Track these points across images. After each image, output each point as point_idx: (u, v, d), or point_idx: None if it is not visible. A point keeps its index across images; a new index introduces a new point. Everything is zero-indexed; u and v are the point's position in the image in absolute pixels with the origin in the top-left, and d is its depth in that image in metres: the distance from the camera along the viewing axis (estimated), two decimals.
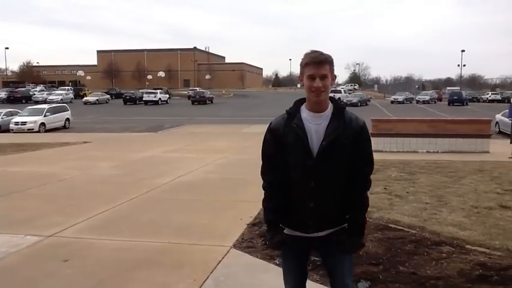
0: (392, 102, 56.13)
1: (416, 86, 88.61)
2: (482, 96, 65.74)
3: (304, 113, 2.45)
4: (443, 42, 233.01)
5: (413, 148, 13.92)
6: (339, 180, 2.44)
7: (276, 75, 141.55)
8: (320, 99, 2.39)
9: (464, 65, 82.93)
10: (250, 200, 7.27)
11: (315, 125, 2.40)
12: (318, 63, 2.35)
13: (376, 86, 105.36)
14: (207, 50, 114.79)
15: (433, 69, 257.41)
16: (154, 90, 57.91)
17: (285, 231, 2.57)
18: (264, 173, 2.57)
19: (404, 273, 4.28)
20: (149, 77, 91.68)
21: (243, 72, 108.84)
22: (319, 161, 2.37)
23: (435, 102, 57.29)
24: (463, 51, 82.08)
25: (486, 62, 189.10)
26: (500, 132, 21.03)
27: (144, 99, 53.31)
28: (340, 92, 53.73)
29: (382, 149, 13.74)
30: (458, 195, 7.75)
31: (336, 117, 2.41)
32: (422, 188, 8.33)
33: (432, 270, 4.34)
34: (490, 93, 68.40)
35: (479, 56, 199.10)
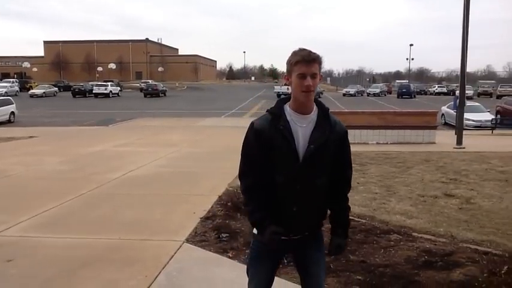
0: (344, 95, 57.31)
1: (368, 79, 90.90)
2: (430, 89, 68.27)
3: (289, 114, 2.34)
4: (393, 37, 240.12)
5: (364, 140, 14.27)
6: (322, 185, 2.40)
7: (230, 67, 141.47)
8: (309, 99, 2.31)
9: (412, 59, 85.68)
10: (203, 193, 7.23)
11: (301, 128, 2.32)
12: (308, 62, 2.27)
13: (328, 79, 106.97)
14: (159, 41, 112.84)
15: (383, 63, 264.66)
16: (104, 83, 56.35)
17: (257, 235, 2.47)
18: (243, 175, 2.45)
19: (354, 261, 4.39)
20: (99, 69, 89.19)
21: (197, 65, 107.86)
22: (306, 165, 2.30)
23: (385, 95, 59.01)
24: (411, 45, 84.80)
25: (433, 56, 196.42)
26: (446, 124, 21.89)
27: (94, 92, 51.68)
28: None
29: None
30: (406, 184, 8.03)
31: (322, 120, 2.35)
32: (372, 178, 8.56)
33: (381, 258, 4.48)
34: (436, 86, 71.05)
35: (426, 50, 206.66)
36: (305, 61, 2.26)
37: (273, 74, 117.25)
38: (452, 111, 19.51)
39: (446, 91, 62.47)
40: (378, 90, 59.05)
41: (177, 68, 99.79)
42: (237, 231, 5.23)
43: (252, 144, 2.38)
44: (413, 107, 31.28)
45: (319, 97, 51.26)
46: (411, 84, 62.02)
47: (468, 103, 23.73)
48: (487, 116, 21.53)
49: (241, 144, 2.44)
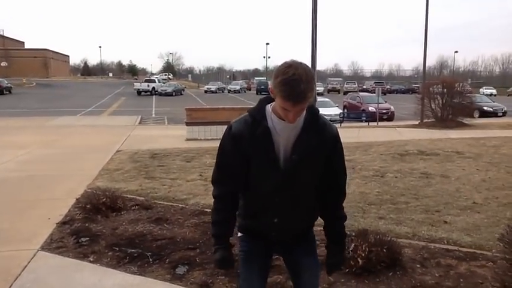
0: (205, 91, 58.01)
1: (228, 76, 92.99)
2: None
3: (271, 119, 2.08)
4: (251, 36, 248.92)
5: None
6: (307, 195, 2.22)
7: (85, 63, 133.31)
8: (294, 122, 2.03)
9: (269, 57, 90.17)
10: (59, 197, 6.75)
11: (285, 135, 2.08)
12: (298, 104, 1.92)
13: (190, 75, 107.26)
14: (1, 33, 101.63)
15: (242, 60, 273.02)
16: None
17: (243, 236, 2.35)
18: (217, 182, 2.25)
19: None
20: None
21: (47, 60, 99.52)
22: (288, 176, 2.10)
23: (245, 92, 61.20)
24: (267, 44, 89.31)
25: (289, 54, 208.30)
26: None
27: None
28: (154, 81, 53.24)
29: (197, 137, 14.12)
30: None
31: (309, 125, 2.09)
32: None
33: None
34: None
35: (282, 48, 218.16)
36: (293, 102, 1.91)
37: (132, 70, 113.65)
38: None
39: None
40: (238, 87, 60.98)
41: (24, 63, 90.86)
42: (98, 234, 4.99)
43: (228, 150, 2.15)
44: None
45: (181, 94, 51.57)
46: (269, 81, 64.96)
47: (319, 99, 25.79)
48: (336, 111, 23.56)
49: (217, 148, 2.21)
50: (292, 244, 2.33)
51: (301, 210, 2.25)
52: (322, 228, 2.40)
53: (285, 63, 1.95)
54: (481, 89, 56.80)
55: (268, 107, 2.11)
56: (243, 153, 2.11)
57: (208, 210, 6.02)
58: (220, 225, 2.27)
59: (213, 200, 2.31)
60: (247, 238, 2.33)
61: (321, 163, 2.15)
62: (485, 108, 26.80)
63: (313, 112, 2.11)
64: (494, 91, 60.36)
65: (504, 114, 27.10)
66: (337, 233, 2.34)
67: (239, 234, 2.38)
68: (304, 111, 2.04)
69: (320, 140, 2.10)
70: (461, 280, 3.81)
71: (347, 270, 3.87)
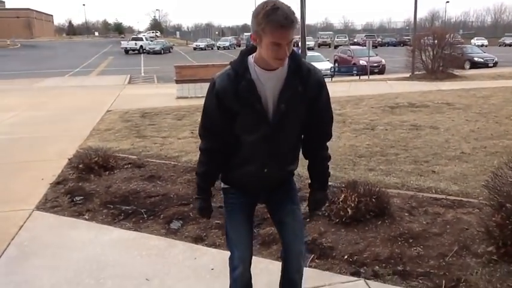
0: (194, 48, 57.18)
1: (217, 33, 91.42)
2: None
3: (254, 70, 2.04)
4: None
5: None
6: (294, 143, 2.26)
7: (70, 22, 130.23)
8: (283, 64, 2.02)
9: None
10: (51, 158, 6.76)
11: (270, 85, 2.05)
12: (286, 28, 1.87)
13: (178, 33, 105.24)
14: None
15: (231, 16, 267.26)
16: None
17: (227, 188, 2.37)
18: (202, 137, 2.27)
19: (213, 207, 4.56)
20: None
21: (30, 20, 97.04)
22: (276, 127, 2.09)
23: (235, 48, 60.29)
24: None
25: None
26: None
27: None
28: (141, 39, 52.26)
29: (187, 95, 14.02)
30: None
31: (293, 73, 2.06)
32: None
33: None
34: None
35: None
36: (281, 27, 1.86)
37: (119, 28, 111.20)
38: None
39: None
40: (227, 43, 60.16)
41: (6, 23, 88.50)
42: (92, 193, 5.05)
43: (212, 109, 2.12)
44: None
45: (170, 51, 50.81)
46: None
47: (310, 53, 25.54)
48: (327, 65, 23.41)
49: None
50: (274, 191, 2.37)
51: (289, 156, 2.28)
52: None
53: (261, 2, 1.92)
54: (472, 40, 56.35)
55: (250, 59, 2.07)
56: (228, 109, 2.07)
57: None
58: (203, 177, 2.33)
59: (199, 152, 2.34)
60: (233, 190, 2.36)
61: (307, 111, 2.14)
62: (476, 59, 26.72)
63: (296, 58, 2.08)
64: (485, 42, 59.92)
65: (495, 64, 27.04)
66: (321, 172, 2.37)
67: (223, 186, 2.39)
68: (288, 54, 1.98)
69: (306, 86, 2.07)
70: (448, 227, 3.93)
71: (337, 220, 3.98)
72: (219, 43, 61.60)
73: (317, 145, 2.31)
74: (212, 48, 58.99)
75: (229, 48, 58.26)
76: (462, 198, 4.68)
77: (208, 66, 15.57)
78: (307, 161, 2.38)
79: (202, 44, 58.70)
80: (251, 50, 2.08)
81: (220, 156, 2.24)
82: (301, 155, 2.38)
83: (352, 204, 3.96)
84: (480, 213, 3.98)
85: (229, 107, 2.07)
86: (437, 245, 3.62)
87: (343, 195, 4.08)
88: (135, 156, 6.66)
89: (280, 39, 1.88)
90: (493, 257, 3.32)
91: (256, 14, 1.91)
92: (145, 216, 4.40)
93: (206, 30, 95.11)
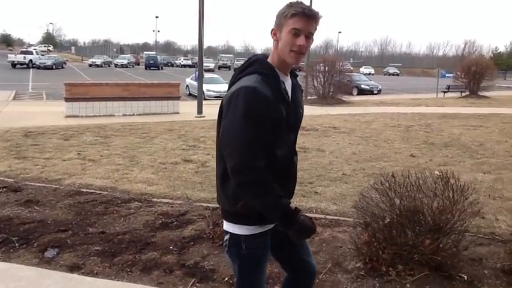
0: (90, 65, 54.85)
1: (115, 50, 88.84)
2: (176, 61, 71.06)
3: (278, 73, 1.95)
4: (141, 7, 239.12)
5: (109, 112, 14.04)
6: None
7: None
8: (298, 62, 1.94)
9: (158, 31, 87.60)
10: None
11: (288, 89, 2.01)
12: (308, 17, 1.86)
13: (73, 48, 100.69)
14: None
15: (131, 34, 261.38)
16: None
17: (251, 231, 1.97)
18: (252, 158, 1.81)
19: (93, 234, 4.38)
20: None
21: None
22: (296, 132, 2.05)
23: (133, 66, 58.97)
24: (157, 17, 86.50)
25: (179, 30, 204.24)
26: (190, 95, 23.26)
27: None
28: (31, 53, 49.02)
29: (78, 114, 13.38)
30: (149, 154, 8.31)
31: (295, 81, 2.08)
32: (116, 150, 8.57)
33: (120, 227, 4.58)
34: (182, 58, 74.33)
35: (173, 23, 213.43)
36: (305, 15, 1.85)
37: (6, 40, 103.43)
38: (195, 83, 20.83)
39: (191, 63, 66.03)
40: (125, 61, 58.50)
41: None
42: None
43: (262, 115, 1.81)
44: (160, 79, 32.17)
45: (63, 67, 48.28)
46: (158, 56, 63.44)
47: (209, 75, 25.82)
48: (225, 87, 23.53)
49: (232, 123, 1.84)
50: None
51: (296, 169, 2.15)
52: None
53: None
54: (361, 68, 60.97)
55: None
56: (272, 117, 1.85)
57: (85, 190, 5.82)
58: (282, 199, 1.88)
59: (250, 186, 1.85)
60: (262, 229, 1.99)
61: None
62: (362, 86, 28.83)
63: (292, 68, 2.06)
64: (372, 70, 65.18)
65: (379, 92, 29.40)
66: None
67: (248, 228, 1.97)
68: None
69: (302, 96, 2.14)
70: (324, 245, 4.16)
71: (220, 242, 4.01)
72: (116, 61, 59.71)
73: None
74: (109, 66, 57.01)
75: (127, 67, 56.67)
76: (339, 218, 4.99)
77: (102, 85, 15.07)
78: None
79: (98, 61, 56.48)
80: (265, 56, 2.01)
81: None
82: None
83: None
84: (351, 232, 4.27)
85: (274, 112, 1.86)
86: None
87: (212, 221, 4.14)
88: (11, 179, 6.19)
89: (301, 25, 1.85)
90: (361, 272, 3.57)
91: (279, 13, 1.92)
92: (16, 244, 4.08)
93: (104, 46, 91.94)
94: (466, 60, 33.17)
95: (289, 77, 2.02)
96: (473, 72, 26.28)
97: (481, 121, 14.36)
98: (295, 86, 2.04)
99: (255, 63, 1.95)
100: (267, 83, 1.86)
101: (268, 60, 1.96)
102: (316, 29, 1.90)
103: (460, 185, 3.55)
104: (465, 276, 3.49)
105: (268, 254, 2.09)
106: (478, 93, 26.24)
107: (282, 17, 1.88)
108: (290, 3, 1.90)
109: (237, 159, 1.82)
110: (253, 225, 1.96)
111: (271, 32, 1.95)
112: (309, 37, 1.88)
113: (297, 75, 2.11)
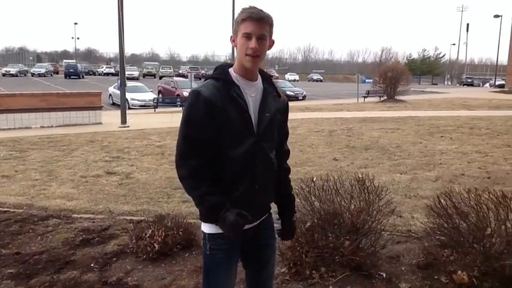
0: (4, 75, 51.73)
1: (31, 58, 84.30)
2: (98, 70, 68.67)
3: (237, 79, 2.00)
4: (58, 13, 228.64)
5: (25, 124, 13.29)
6: (275, 159, 2.14)
7: None
8: (255, 65, 1.99)
9: (78, 38, 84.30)
10: None
11: (252, 96, 2.03)
12: (257, 20, 1.94)
13: None
14: None
15: (49, 41, 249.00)
16: None
17: (213, 229, 2.02)
18: (186, 157, 1.95)
19: (7, 255, 4.11)
20: None
21: None
22: (262, 137, 2.02)
23: (52, 75, 56.31)
24: (75, 23, 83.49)
25: (101, 37, 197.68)
26: (114, 104, 22.60)
27: None
28: None
29: None
30: (69, 167, 7.95)
31: (269, 87, 2.10)
32: (33, 164, 8.13)
33: (37, 246, 4.34)
34: (104, 66, 71.98)
35: (92, 28, 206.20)
36: (253, 19, 1.94)
37: None
38: (118, 91, 20.29)
39: (114, 72, 64.05)
40: (43, 70, 55.63)
41: None
42: None
43: (199, 118, 1.93)
44: (81, 88, 30.84)
45: None
46: (79, 64, 61.01)
47: (133, 83, 25.26)
48: (150, 96, 23.31)
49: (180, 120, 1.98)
50: (259, 227, 2.16)
51: (273, 175, 2.16)
52: None
53: None
54: (286, 75, 62.36)
55: (231, 70, 2.05)
56: (216, 120, 1.94)
57: None
58: (210, 196, 1.95)
59: (184, 180, 2.00)
60: (219, 230, 2.03)
61: (278, 126, 2.16)
62: (288, 92, 29.42)
63: (267, 75, 2.14)
64: (297, 77, 66.88)
65: (304, 98, 30.25)
66: (290, 196, 2.33)
67: (210, 226, 2.05)
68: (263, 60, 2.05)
69: (280, 101, 2.14)
70: None
71: (144, 256, 3.93)
72: (33, 69, 56.61)
73: (284, 168, 2.30)
74: (25, 75, 54.00)
75: (45, 76, 53.87)
76: None
77: (16, 96, 14.25)
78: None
79: (13, 70, 53.30)
80: (230, 64, 2.10)
81: (209, 174, 1.97)
82: None
83: (159, 239, 3.96)
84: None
85: (217, 117, 1.94)
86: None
87: (150, 231, 4.06)
88: None
89: (251, 28, 1.93)
90: (286, 277, 3.63)
91: (236, 17, 2.01)
92: None
93: (19, 54, 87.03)
94: (383, 66, 35.00)
95: (258, 82, 2.08)
96: (390, 78, 27.71)
97: (397, 124, 15.19)
98: (266, 90, 2.09)
99: (215, 70, 2.07)
100: (216, 87, 1.97)
101: (232, 67, 2.06)
102: (269, 31, 2.00)
103: (375, 187, 3.73)
104: (384, 274, 3.66)
105: (233, 259, 2.14)
106: (395, 97, 27.70)
107: (236, 23, 2.00)
108: (242, 8, 2.00)
109: (176, 156, 2.00)
110: (210, 223, 2.04)
111: (231, 39, 2.06)
112: (262, 39, 1.96)
113: (271, 81, 2.16)
